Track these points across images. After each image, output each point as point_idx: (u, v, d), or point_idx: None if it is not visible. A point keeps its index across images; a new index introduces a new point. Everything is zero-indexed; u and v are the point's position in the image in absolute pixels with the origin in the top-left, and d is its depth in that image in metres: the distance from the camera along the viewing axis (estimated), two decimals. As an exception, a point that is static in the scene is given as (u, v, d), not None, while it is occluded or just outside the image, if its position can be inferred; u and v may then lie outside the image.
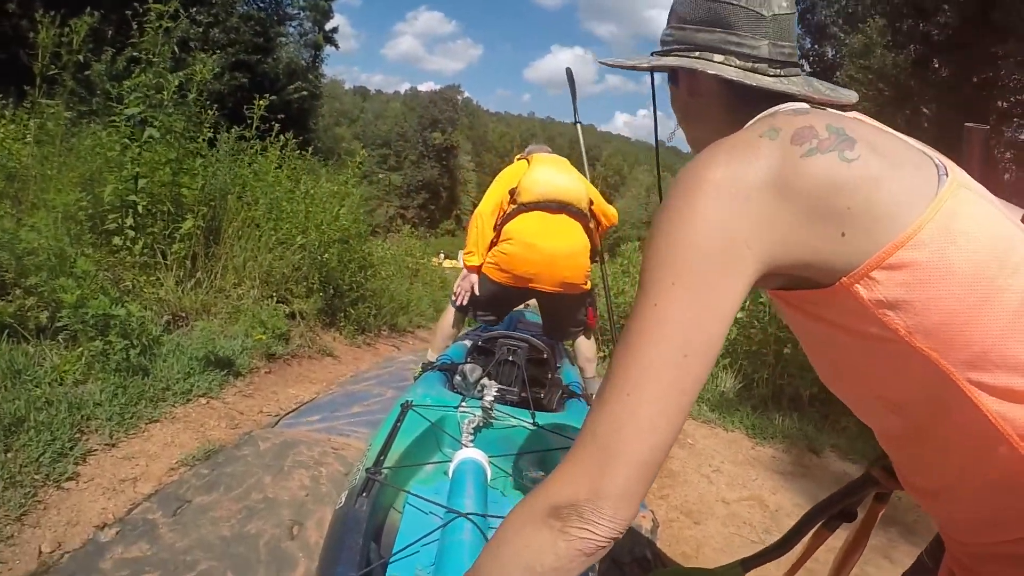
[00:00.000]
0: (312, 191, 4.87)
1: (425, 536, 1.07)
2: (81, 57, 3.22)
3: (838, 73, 13.75)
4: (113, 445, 2.13)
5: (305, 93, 19.43)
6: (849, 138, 0.57)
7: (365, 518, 1.10)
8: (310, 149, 6.01)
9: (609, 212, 2.73)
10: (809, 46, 17.11)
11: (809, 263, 0.56)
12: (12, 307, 2.36)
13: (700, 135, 0.79)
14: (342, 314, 5.09)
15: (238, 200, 4.00)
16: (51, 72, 3.18)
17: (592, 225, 2.62)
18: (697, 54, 0.72)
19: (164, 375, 2.61)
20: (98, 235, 3.11)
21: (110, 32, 4.02)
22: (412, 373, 3.25)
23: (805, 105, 0.68)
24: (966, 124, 0.93)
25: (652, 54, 0.79)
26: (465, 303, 2.62)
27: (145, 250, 3.25)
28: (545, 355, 1.96)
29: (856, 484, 0.94)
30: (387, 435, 1.38)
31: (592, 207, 2.61)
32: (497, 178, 2.63)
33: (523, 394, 1.74)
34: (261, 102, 4.36)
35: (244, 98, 5.51)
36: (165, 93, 3.17)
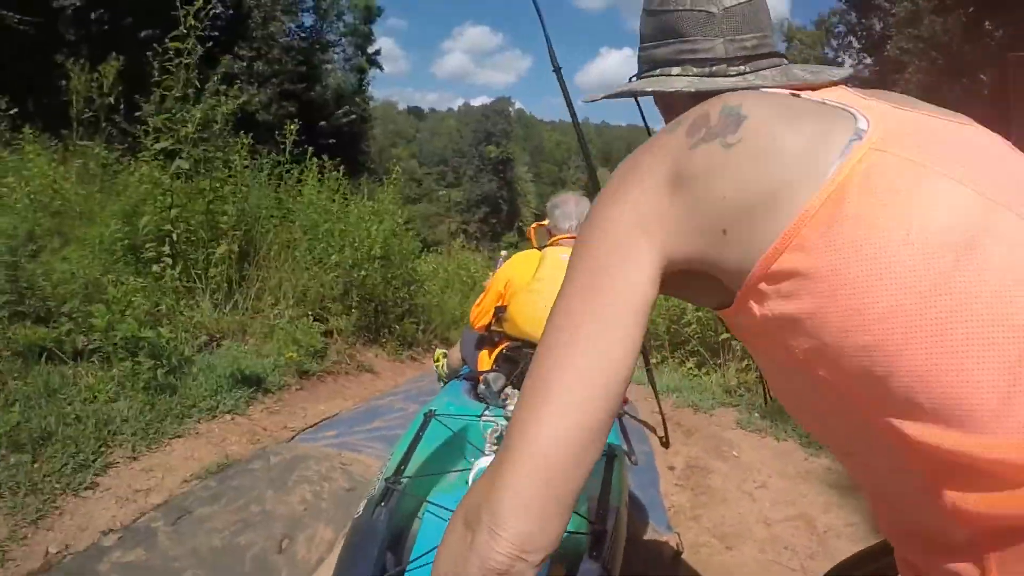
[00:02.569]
0: (346, 212, 5.08)
1: None
2: (112, 99, 3.58)
3: (888, 45, 12.82)
4: (135, 458, 2.31)
5: (354, 117, 20.38)
6: (739, 117, 0.52)
7: (383, 527, 1.13)
8: (363, 171, 6.31)
9: None
10: (855, 20, 16.05)
11: (707, 265, 0.53)
12: (54, 333, 2.63)
13: None
14: (386, 330, 5.25)
15: (273, 222, 4.26)
16: (85, 116, 3.56)
17: None
18: (658, 71, 0.71)
19: (192, 393, 2.80)
20: (138, 263, 3.41)
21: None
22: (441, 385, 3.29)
23: (738, 91, 0.61)
24: (1008, 55, 0.81)
25: (629, 79, 0.78)
26: None
27: (182, 275, 3.52)
28: None
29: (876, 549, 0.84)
30: (409, 444, 1.42)
31: None
32: (500, 276, 2.16)
33: None
34: (292, 127, 4.64)
35: (295, 126, 5.87)
36: (190, 127, 3.45)
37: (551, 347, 0.52)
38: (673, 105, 0.72)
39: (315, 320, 4.21)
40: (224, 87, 4.20)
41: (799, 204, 0.47)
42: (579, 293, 0.52)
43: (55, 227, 3.17)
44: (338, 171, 5.35)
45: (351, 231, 4.91)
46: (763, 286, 0.49)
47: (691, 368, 4.90)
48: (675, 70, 0.69)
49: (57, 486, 2.01)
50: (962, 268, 0.43)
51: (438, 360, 2.54)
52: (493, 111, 59.25)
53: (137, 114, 4.07)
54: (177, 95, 3.46)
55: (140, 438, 2.39)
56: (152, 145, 3.44)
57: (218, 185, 3.87)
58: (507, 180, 55.88)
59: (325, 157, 5.43)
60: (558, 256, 1.97)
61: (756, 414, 3.57)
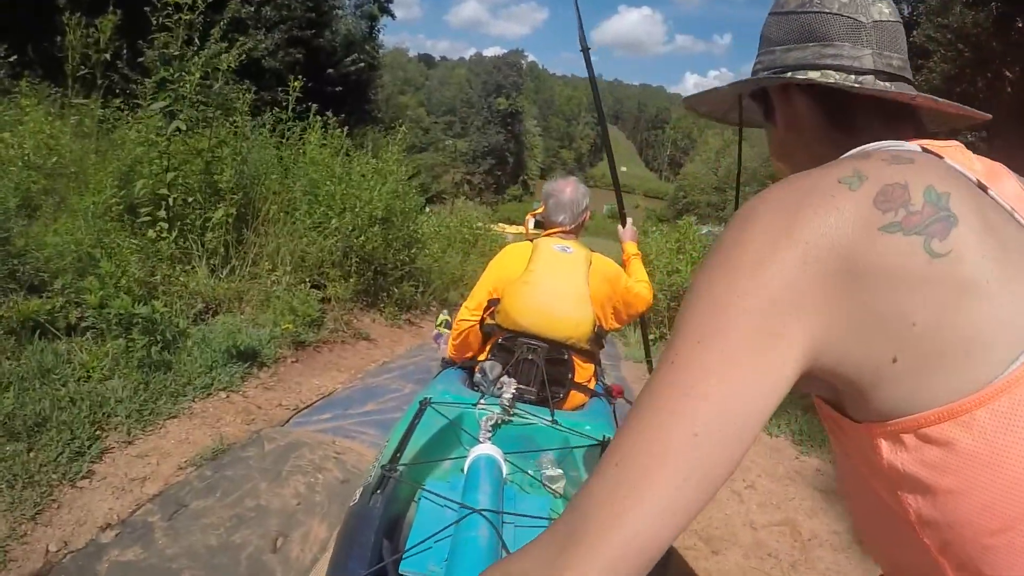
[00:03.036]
0: (348, 172, 4.95)
1: (439, 532, 1.12)
2: (108, 56, 3.41)
3: (915, 32, 12.54)
4: (130, 442, 2.33)
5: (362, 65, 19.84)
6: (949, 216, 0.42)
7: (378, 515, 1.16)
8: (370, 120, 6.16)
9: (634, 298, 2.04)
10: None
11: (847, 376, 0.44)
12: (48, 305, 2.60)
13: (786, 171, 0.67)
14: (384, 294, 5.23)
15: (273, 184, 4.15)
16: (81, 72, 3.40)
17: (599, 346, 2.00)
18: (789, 74, 0.61)
19: (187, 369, 2.80)
20: (134, 227, 3.34)
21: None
22: (437, 365, 3.29)
23: (914, 147, 0.51)
24: None
25: (746, 80, 0.68)
26: None
27: (178, 239, 3.46)
28: (565, 355, 1.92)
29: None
30: (404, 432, 1.45)
31: (600, 324, 1.94)
32: (490, 265, 2.04)
33: (542, 393, 1.77)
34: (296, 83, 4.44)
35: (302, 73, 5.67)
36: (188, 86, 3.30)
37: (651, 427, 0.42)
38: (795, 121, 0.63)
39: (313, 287, 4.18)
40: (231, 34, 4.02)
41: (992, 372, 0.40)
42: (701, 376, 0.42)
43: (49, 187, 3.07)
44: (342, 129, 5.18)
45: (353, 193, 4.80)
46: (907, 438, 0.42)
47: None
48: (813, 73, 0.60)
49: (54, 476, 2.03)
50: None
51: (440, 324, 2.50)
52: (505, 63, 58.65)
53: (139, 60, 3.90)
54: (175, 52, 3.28)
55: (135, 420, 2.41)
56: (148, 105, 3.30)
57: (216, 145, 3.75)
58: (515, 133, 55.65)
59: (329, 113, 5.24)
60: (550, 247, 1.92)
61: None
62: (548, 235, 2.04)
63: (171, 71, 3.25)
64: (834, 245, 0.42)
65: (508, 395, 1.58)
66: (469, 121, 54.70)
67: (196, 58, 3.48)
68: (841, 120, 0.59)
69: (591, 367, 1.95)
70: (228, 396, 2.83)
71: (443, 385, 1.79)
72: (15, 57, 4.02)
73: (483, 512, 1.09)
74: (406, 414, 1.56)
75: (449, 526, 1.12)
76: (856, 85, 0.56)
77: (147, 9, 3.19)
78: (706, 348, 0.42)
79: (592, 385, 1.95)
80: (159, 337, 2.76)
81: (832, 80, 0.57)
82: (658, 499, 0.40)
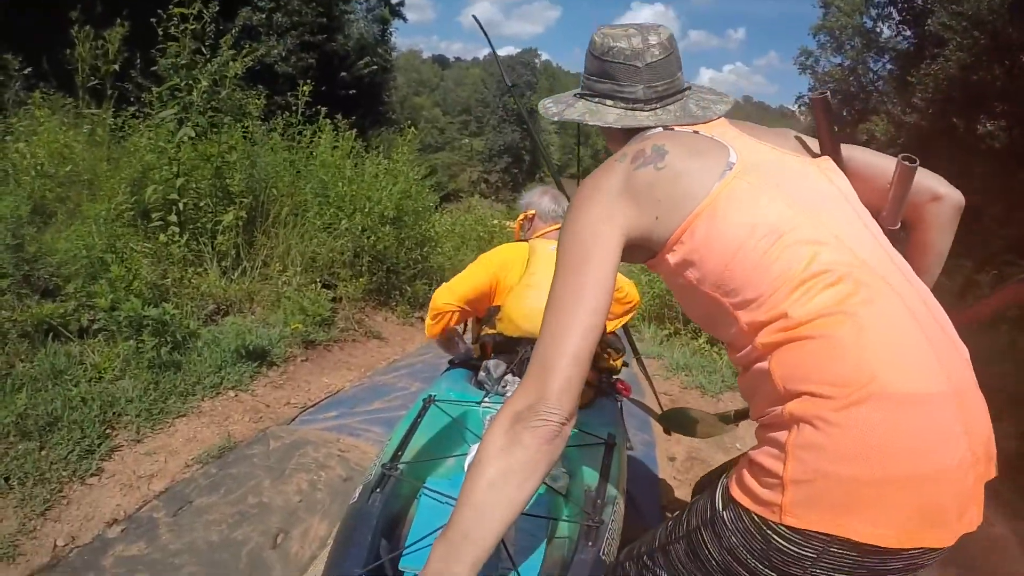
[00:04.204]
0: (359, 173, 5.01)
1: (438, 529, 1.13)
2: (117, 67, 3.52)
3: (929, 20, 12.21)
4: (139, 441, 2.40)
5: (375, 68, 20.15)
6: (663, 152, 0.91)
7: (377, 513, 1.17)
8: (384, 122, 6.24)
9: (624, 296, 2.08)
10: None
11: (645, 238, 0.90)
12: (61, 309, 2.69)
13: (615, 150, 1.08)
14: (397, 292, 5.27)
15: (283, 187, 4.22)
16: (91, 83, 3.51)
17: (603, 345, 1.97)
18: (596, 99, 1.05)
19: (196, 369, 2.87)
20: (147, 232, 3.43)
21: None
22: (446, 363, 3.31)
23: (658, 130, 0.99)
24: (811, 95, 1.16)
25: (573, 94, 1.11)
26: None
27: (189, 243, 3.54)
28: None
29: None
30: (407, 430, 1.45)
31: None
32: (484, 259, 2.02)
33: None
34: (305, 87, 4.52)
35: (314, 77, 5.76)
36: (195, 94, 3.38)
37: (561, 296, 0.85)
38: (609, 130, 1.06)
39: (324, 287, 4.24)
40: (244, 41, 4.11)
41: (694, 206, 0.86)
42: (574, 264, 0.86)
43: (63, 195, 3.18)
44: (352, 131, 5.25)
45: (363, 194, 4.85)
46: (674, 246, 0.89)
47: (702, 344, 4.86)
48: (608, 102, 1.04)
49: (64, 474, 2.10)
50: (772, 244, 0.82)
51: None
52: (519, 62, 59.40)
53: (153, 68, 4.00)
54: (183, 62, 3.37)
55: (144, 419, 2.48)
56: (158, 113, 3.39)
57: (226, 150, 3.83)
58: (530, 131, 55.94)
59: (339, 116, 5.31)
60: (547, 249, 1.90)
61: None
62: (541, 236, 2.04)
63: (179, 80, 3.33)
64: (616, 186, 0.91)
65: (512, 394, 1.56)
66: (484, 120, 55.50)
67: (208, 66, 3.57)
68: (628, 130, 1.04)
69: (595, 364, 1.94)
70: (237, 395, 2.90)
71: (447, 383, 1.80)
72: (30, 69, 4.16)
73: None
74: (409, 412, 1.57)
75: None
76: (614, 125, 1.02)
77: (153, 21, 3.28)
78: (577, 250, 0.87)
79: (597, 383, 1.93)
80: (169, 338, 2.84)
81: (603, 122, 1.03)
82: (578, 327, 0.81)
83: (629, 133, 1.01)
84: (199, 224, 3.70)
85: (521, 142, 52.80)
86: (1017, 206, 9.74)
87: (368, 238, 4.73)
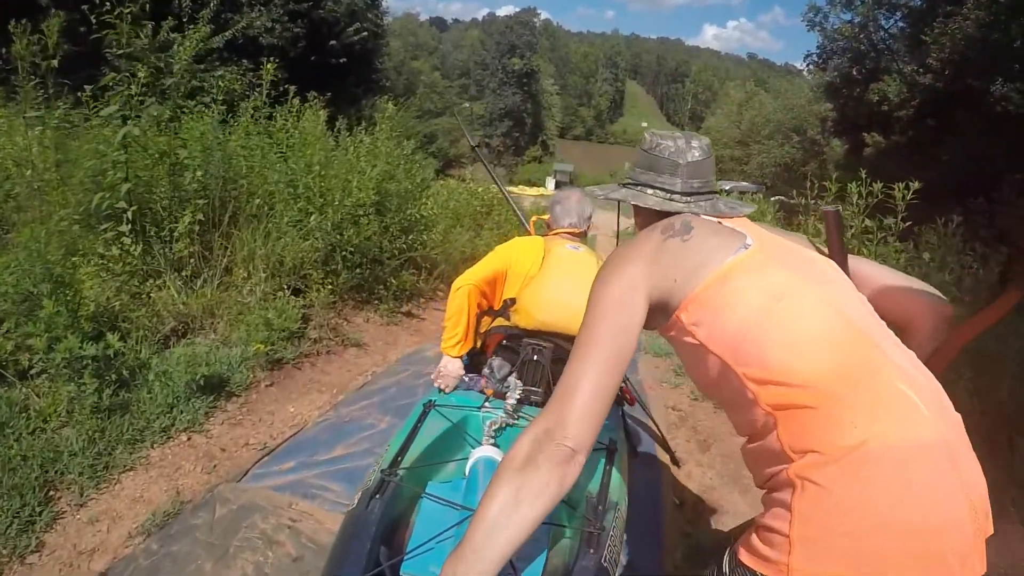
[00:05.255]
0: (331, 159, 4.70)
1: (440, 534, 1.16)
2: (56, 62, 3.18)
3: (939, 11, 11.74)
4: (82, 504, 2.31)
5: (366, 33, 19.33)
6: (690, 228, 1.05)
7: (376, 519, 1.18)
8: (378, 90, 5.90)
9: None
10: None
11: (665, 300, 1.00)
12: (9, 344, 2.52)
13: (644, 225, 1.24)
14: (381, 286, 5.05)
15: (246, 182, 3.96)
16: (32, 82, 3.19)
17: None
18: (638, 188, 1.21)
19: (145, 410, 2.74)
20: (104, 245, 3.21)
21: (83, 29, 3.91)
22: (423, 386, 3.23)
23: (687, 215, 1.11)
24: (823, 208, 1.23)
25: (618, 183, 1.27)
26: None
27: (144, 255, 3.33)
28: None
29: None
30: (407, 435, 1.47)
31: None
32: (499, 248, 2.19)
33: (548, 394, 1.77)
34: (270, 66, 4.17)
35: (304, 47, 5.38)
36: (134, 88, 3.08)
37: (593, 334, 0.96)
38: (642, 211, 1.23)
39: (293, 293, 4.05)
40: (224, 14, 3.75)
41: (709, 272, 0.98)
42: (603, 321, 0.97)
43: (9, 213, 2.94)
44: (325, 110, 4.89)
45: (337, 183, 4.56)
46: (688, 307, 0.98)
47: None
48: (649, 191, 1.19)
49: (3, 552, 2.01)
50: (776, 305, 0.93)
51: None
52: (518, 22, 58.38)
53: (115, 51, 3.65)
54: (120, 51, 3.04)
55: (88, 477, 2.38)
56: (95, 112, 3.10)
57: (180, 146, 3.55)
58: (531, 93, 56.74)
59: (314, 93, 4.94)
60: (564, 247, 2.14)
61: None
62: (556, 234, 2.27)
63: (115, 76, 3.02)
64: (646, 252, 1.04)
65: (514, 399, 1.62)
66: (484, 83, 54.72)
67: (182, 46, 3.25)
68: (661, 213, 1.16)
69: None
70: (190, 438, 2.79)
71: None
72: None
73: None
74: (409, 417, 1.59)
75: (450, 528, 1.17)
76: (654, 207, 1.16)
77: (85, 8, 2.94)
78: (610, 308, 0.99)
79: None
80: (114, 375, 2.69)
81: (643, 203, 1.17)
82: (604, 361, 0.93)
83: (661, 215, 1.15)
84: (157, 232, 3.47)
85: (522, 104, 52.09)
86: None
87: (342, 234, 4.48)
